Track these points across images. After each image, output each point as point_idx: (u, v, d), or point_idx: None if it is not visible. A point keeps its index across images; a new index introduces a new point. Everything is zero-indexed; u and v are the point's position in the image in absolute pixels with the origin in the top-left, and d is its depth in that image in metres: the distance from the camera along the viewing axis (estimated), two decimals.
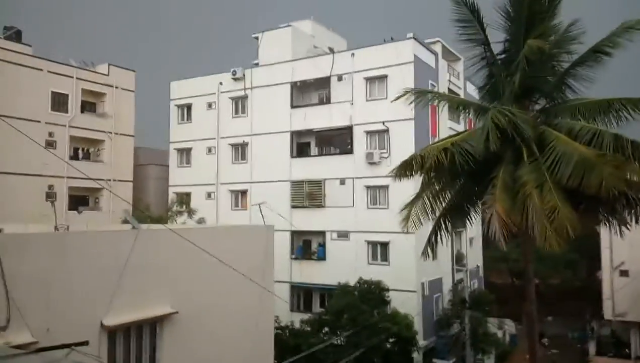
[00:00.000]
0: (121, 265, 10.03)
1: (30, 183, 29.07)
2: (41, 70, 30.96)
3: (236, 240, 13.81)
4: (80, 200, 32.83)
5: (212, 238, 12.86)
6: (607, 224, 13.59)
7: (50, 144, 29.75)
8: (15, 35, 32.35)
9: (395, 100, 14.89)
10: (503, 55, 13.90)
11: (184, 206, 31.72)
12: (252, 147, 32.58)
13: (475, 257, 36.11)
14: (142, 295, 10.62)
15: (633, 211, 12.57)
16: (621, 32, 12.53)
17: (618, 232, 13.32)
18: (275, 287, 16.07)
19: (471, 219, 15.64)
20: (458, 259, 31.95)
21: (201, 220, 28.51)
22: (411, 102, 14.87)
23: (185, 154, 35.77)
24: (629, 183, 11.72)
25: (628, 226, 13.10)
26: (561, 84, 13.53)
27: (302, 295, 30.39)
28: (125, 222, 14.58)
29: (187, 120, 35.94)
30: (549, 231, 11.04)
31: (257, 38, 34.17)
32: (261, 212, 16.11)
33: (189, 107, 35.84)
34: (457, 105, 15.29)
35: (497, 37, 13.73)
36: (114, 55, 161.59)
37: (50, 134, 30.50)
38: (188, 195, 33.90)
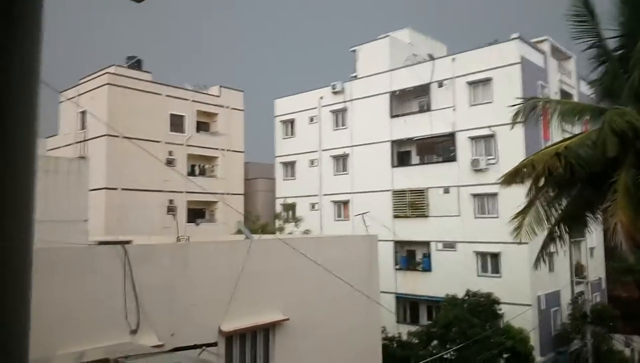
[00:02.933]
0: (236, 273, 10.69)
1: (153, 198, 31.78)
2: (160, 94, 33.86)
3: (341, 249, 14.09)
4: (197, 213, 35.26)
5: (318, 248, 13.24)
6: None
7: (170, 162, 32.40)
8: (137, 64, 35.71)
9: (512, 126, 14.29)
10: (620, 52, 12.86)
11: (291, 215, 32.90)
12: (353, 158, 32.99)
13: (596, 269, 33.31)
14: (256, 302, 11.22)
15: None
16: None
17: None
18: (381, 297, 16.10)
19: (590, 228, 14.54)
20: (577, 271, 29.70)
21: (307, 231, 29.31)
22: (522, 120, 14.15)
23: (290, 167, 37.11)
24: None
25: None
26: None
27: (408, 306, 29.98)
28: (239, 232, 15.46)
29: (291, 134, 37.31)
30: None
31: (354, 51, 34.65)
32: (364, 221, 16.26)
33: (292, 122, 37.21)
34: (572, 111, 14.32)
35: (610, 33, 12.76)
36: (222, 75, 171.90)
37: (170, 153, 33.19)
38: (293, 206, 35.04)
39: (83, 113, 32.28)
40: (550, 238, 14.10)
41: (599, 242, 31.67)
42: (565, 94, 30.94)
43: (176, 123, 34.54)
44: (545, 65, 29.36)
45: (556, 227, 13.93)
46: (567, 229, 14.00)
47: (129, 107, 31.58)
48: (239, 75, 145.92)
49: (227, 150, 36.87)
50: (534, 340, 23.67)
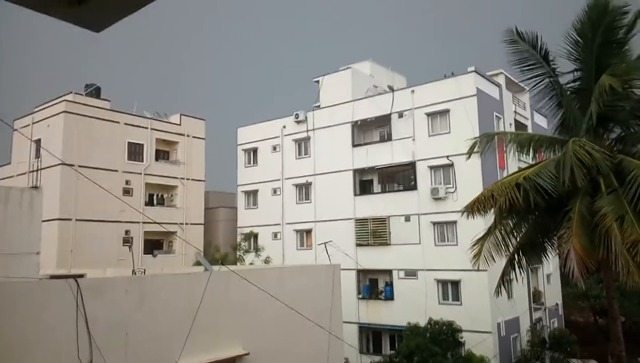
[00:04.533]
0: (195, 307, 10.34)
1: (108, 229, 30.75)
2: (118, 122, 33.18)
3: (304, 279, 13.88)
4: (155, 244, 34.30)
5: (280, 278, 13.01)
6: None
7: (127, 192, 31.56)
8: (95, 92, 35.01)
9: (468, 153, 14.71)
10: (573, 84, 13.47)
11: (251, 244, 32.42)
12: (315, 186, 33.01)
13: (553, 295, 34.09)
14: (215, 337, 10.85)
15: None
16: None
17: None
18: (344, 327, 15.90)
19: (547, 255, 14.91)
20: (535, 297, 30.29)
21: (267, 260, 28.91)
22: (481, 152, 14.58)
23: (252, 195, 36.76)
24: None
25: None
26: (637, 111, 12.89)
27: (370, 336, 29.77)
28: (198, 264, 15.07)
29: (254, 163, 37.09)
30: (631, 266, 10.36)
31: (317, 82, 35.09)
32: (327, 251, 16.16)
33: (254, 150, 37.05)
34: (529, 142, 14.84)
35: (563, 66, 13.38)
36: (183, 104, 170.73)
37: (127, 182, 32.36)
38: (255, 236, 34.59)
39: (37, 141, 31.22)
40: (510, 265, 14.37)
41: (555, 269, 32.50)
42: (519, 125, 32.09)
43: (135, 151, 33.81)
44: (501, 97, 30.45)
45: (515, 254, 14.23)
46: (525, 256, 14.32)
47: (85, 135, 30.76)
48: (201, 104, 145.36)
49: (187, 179, 36.25)
50: None
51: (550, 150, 13.87)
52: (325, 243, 17.35)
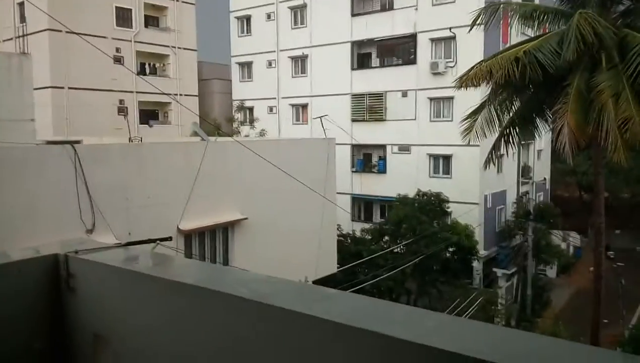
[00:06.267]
0: (193, 174, 10.63)
1: (102, 98, 30.34)
2: None
3: (299, 152, 14.15)
4: (150, 114, 34.15)
5: (276, 151, 13.25)
6: None
7: (117, 60, 30.64)
8: None
9: (470, 28, 13.97)
10: None
11: (246, 116, 32.41)
12: (312, 59, 32.11)
13: (542, 170, 35.04)
14: (214, 203, 11.31)
15: None
16: None
17: None
18: (337, 198, 16.54)
19: (539, 130, 15.05)
20: (524, 172, 31.14)
21: (263, 133, 29.11)
22: (485, 24, 13.87)
23: (246, 67, 35.88)
24: None
25: None
26: None
27: (362, 206, 31.05)
28: (195, 134, 15.20)
29: (247, 33, 35.66)
30: (620, 143, 10.54)
31: None
32: (322, 125, 16.23)
33: (248, 19, 35.41)
34: (532, 13, 14.17)
35: None
36: None
37: (117, 50, 31.28)
38: (251, 109, 34.40)
39: (21, 4, 29.55)
40: (501, 140, 14.57)
41: (547, 144, 33.01)
42: None
43: (123, 17, 32.26)
44: None
45: (507, 129, 14.36)
46: (517, 131, 14.46)
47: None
48: None
49: (179, 47, 35.05)
50: (479, 235, 25.25)
51: (555, 23, 13.34)
52: (320, 117, 17.32)
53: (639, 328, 19.46)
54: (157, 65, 35.03)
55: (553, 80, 12.41)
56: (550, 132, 14.36)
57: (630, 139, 10.55)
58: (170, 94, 31.76)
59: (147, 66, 34.37)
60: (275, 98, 34.03)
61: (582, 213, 34.54)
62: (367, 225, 26.46)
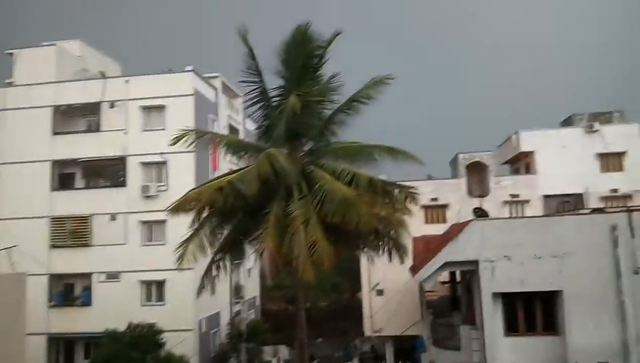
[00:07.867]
0: None
1: None
2: None
3: None
4: None
5: None
6: (364, 252, 15.62)
7: None
8: None
9: (173, 143, 14.54)
10: (278, 98, 14.72)
11: None
12: (2, 178, 27.94)
13: (253, 287, 36.94)
14: None
15: (381, 242, 14.65)
16: (372, 85, 14.53)
17: (371, 259, 15.46)
18: (30, 340, 13.93)
19: (248, 251, 16.06)
20: (237, 291, 32.24)
21: None
22: (189, 144, 14.73)
23: None
24: (380, 218, 13.62)
25: (378, 253, 15.14)
26: (325, 129, 14.95)
27: (62, 347, 26.87)
28: None
29: None
30: (307, 264, 12.05)
31: (11, 54, 29.80)
32: (9, 257, 13.89)
33: None
34: (236, 146, 15.77)
35: (271, 84, 14.56)
36: None
37: None
38: None
39: None
40: (212, 264, 14.96)
41: (256, 263, 35.28)
42: (233, 129, 33.81)
43: None
44: (217, 100, 31.50)
45: (218, 254, 14.89)
46: (227, 255, 15.15)
47: None
48: None
49: None
50: None
51: (254, 157, 14.91)
52: (8, 248, 14.77)
53: None
54: None
55: (256, 208, 13.58)
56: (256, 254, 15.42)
57: (317, 259, 12.15)
58: None
59: None
60: None
61: (289, 326, 37.00)
62: None
